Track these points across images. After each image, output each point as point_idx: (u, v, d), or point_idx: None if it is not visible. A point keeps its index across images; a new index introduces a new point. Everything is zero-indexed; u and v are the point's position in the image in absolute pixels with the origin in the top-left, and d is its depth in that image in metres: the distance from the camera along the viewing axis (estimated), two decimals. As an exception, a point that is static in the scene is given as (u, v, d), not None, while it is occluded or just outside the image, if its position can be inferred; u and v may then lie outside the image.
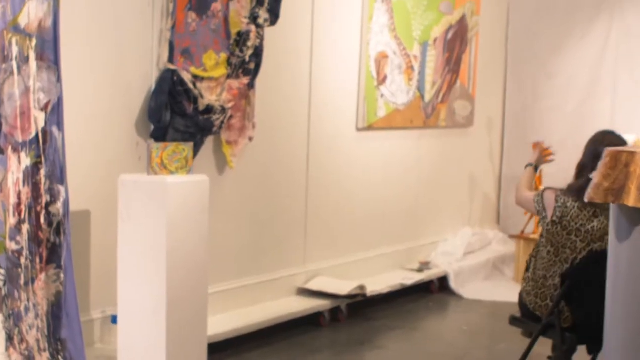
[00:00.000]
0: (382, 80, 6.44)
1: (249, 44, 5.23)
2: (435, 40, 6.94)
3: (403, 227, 6.95)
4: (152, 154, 4.34)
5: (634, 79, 7.72)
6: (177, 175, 4.35)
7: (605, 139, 4.11)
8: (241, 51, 5.21)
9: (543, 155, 4.72)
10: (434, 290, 6.89)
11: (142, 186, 4.26)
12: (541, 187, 5.12)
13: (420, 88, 6.85)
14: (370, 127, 6.41)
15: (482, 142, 7.89)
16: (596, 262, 3.90)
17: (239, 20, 5.17)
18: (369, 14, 6.25)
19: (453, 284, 6.90)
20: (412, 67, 6.73)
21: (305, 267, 6.04)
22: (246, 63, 5.25)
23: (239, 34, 5.19)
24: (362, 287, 5.99)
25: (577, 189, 4.06)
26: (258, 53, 5.31)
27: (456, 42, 7.20)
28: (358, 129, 6.35)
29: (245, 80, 5.28)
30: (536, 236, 7.23)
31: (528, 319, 4.27)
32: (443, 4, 6.99)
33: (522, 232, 7.43)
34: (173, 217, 4.23)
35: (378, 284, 6.28)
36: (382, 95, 6.46)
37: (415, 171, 6.99)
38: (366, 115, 6.34)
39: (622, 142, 4.10)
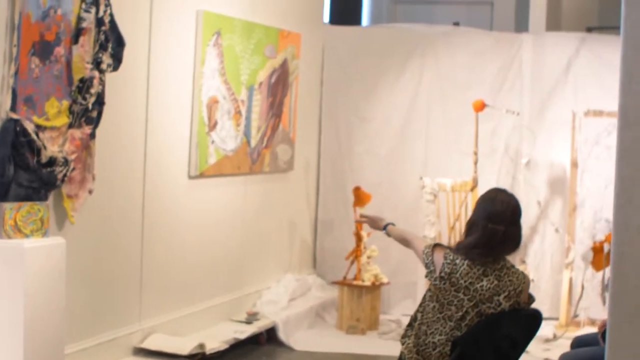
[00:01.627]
0: (212, 126, 6.41)
1: (92, 90, 5.06)
2: (260, 84, 7.00)
3: (230, 277, 6.92)
4: (5, 215, 4.07)
5: (445, 122, 8.14)
6: (32, 238, 4.10)
7: (498, 197, 4.17)
8: (84, 99, 5.03)
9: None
10: (263, 342, 6.90)
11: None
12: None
13: (247, 133, 6.87)
14: (201, 175, 6.35)
15: (300, 186, 8.00)
16: (487, 326, 4.01)
17: (82, 66, 4.99)
18: (202, 58, 6.21)
19: (282, 334, 6.93)
20: (239, 112, 6.74)
21: (141, 324, 5.87)
22: (89, 111, 5.08)
23: (82, 80, 5.00)
24: (201, 346, 5.89)
25: (466, 246, 4.11)
26: (100, 101, 5.15)
27: (279, 86, 7.29)
28: (190, 177, 6.27)
29: (88, 129, 5.09)
30: (360, 282, 7.43)
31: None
32: (267, 47, 7.05)
33: (345, 277, 7.57)
34: (30, 284, 3.99)
35: (212, 339, 6.19)
36: (212, 142, 6.42)
37: (240, 218, 6.99)
38: (198, 163, 6.27)
39: (514, 200, 4.19)
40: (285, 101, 7.42)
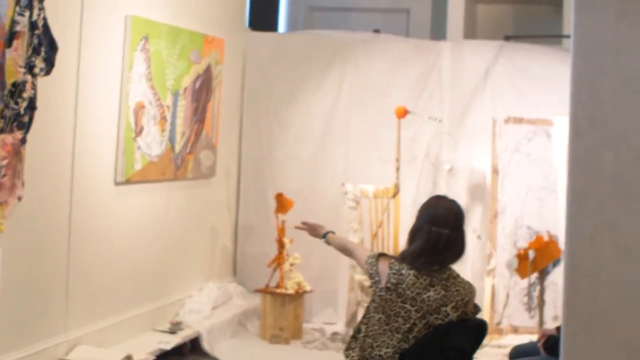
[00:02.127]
0: (139, 131, 6.36)
1: (25, 95, 4.98)
2: (185, 89, 6.97)
3: (153, 285, 6.88)
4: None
5: (366, 128, 8.24)
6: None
7: (440, 204, 4.25)
8: (16, 103, 4.94)
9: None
10: (186, 353, 6.86)
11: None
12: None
13: (172, 139, 6.83)
14: (128, 181, 6.29)
15: (223, 192, 7.99)
16: (436, 338, 4.06)
17: (15, 70, 4.90)
18: (130, 63, 6.17)
19: (206, 344, 6.89)
20: (165, 118, 6.70)
21: (66, 335, 5.77)
22: (20, 116, 4.98)
23: (14, 84, 4.91)
24: (129, 357, 5.83)
25: (411, 254, 4.13)
26: (32, 105, 5.06)
27: (203, 91, 7.27)
28: (116, 183, 6.20)
29: (19, 134, 5.00)
30: (283, 290, 7.45)
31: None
32: (192, 53, 7.03)
33: (267, 285, 7.58)
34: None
35: (137, 350, 6.13)
36: (138, 147, 6.37)
37: (164, 225, 6.95)
38: (124, 169, 6.21)
39: (457, 206, 4.26)
40: (208, 107, 7.41)
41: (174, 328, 6.79)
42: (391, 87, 8.26)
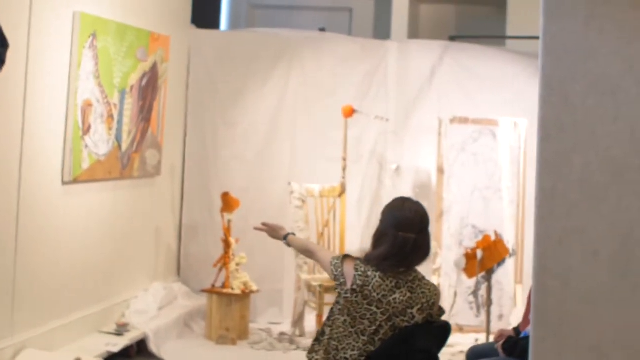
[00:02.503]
0: (87, 130, 6.28)
1: (-25, 93, 4.85)
2: (132, 87, 6.90)
3: (99, 286, 6.80)
4: None
5: (312, 127, 8.26)
6: None
7: (405, 205, 4.24)
8: (-34, 101, 4.81)
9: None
10: (132, 355, 6.78)
11: None
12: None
13: (118, 137, 6.76)
14: (75, 180, 6.20)
15: (167, 192, 7.93)
16: (402, 340, 4.07)
17: (-34, 67, 4.77)
18: (78, 61, 6.09)
19: (153, 346, 6.83)
20: (112, 116, 6.62)
21: (13, 339, 5.68)
22: (-30, 114, 4.86)
23: (-35, 81, 4.79)
24: None
25: (377, 257, 4.12)
26: (-18, 103, 4.95)
27: (149, 89, 7.21)
28: (64, 182, 6.12)
29: (-31, 133, 4.88)
30: (229, 290, 7.42)
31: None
32: (139, 50, 6.97)
33: (213, 286, 7.55)
34: None
35: (86, 353, 6.06)
36: (86, 146, 6.29)
37: (110, 225, 6.88)
38: (72, 168, 6.12)
39: (422, 208, 4.27)
40: (154, 105, 7.35)
41: (121, 329, 6.72)
42: (337, 86, 8.28)
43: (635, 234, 3.30)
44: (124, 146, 6.87)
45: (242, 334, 7.51)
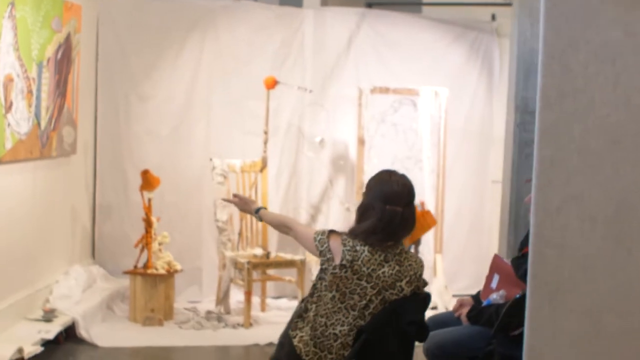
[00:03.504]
0: (9, 107, 6.00)
1: None
2: (48, 60, 6.63)
3: (22, 272, 6.53)
4: None
5: (228, 101, 8.13)
6: None
7: (392, 178, 4.19)
8: None
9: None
10: (61, 341, 6.56)
11: None
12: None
13: (37, 114, 6.50)
14: (0, 161, 5.92)
15: (81, 171, 7.68)
16: (392, 313, 4.05)
17: None
18: (-1, 32, 5.78)
19: (82, 331, 6.65)
20: (31, 91, 6.36)
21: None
22: None
23: None
24: (20, 350, 5.55)
25: (365, 232, 4.08)
26: None
27: (64, 62, 6.95)
28: (-11, 165, 5.84)
29: None
30: (154, 271, 7.27)
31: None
32: (54, 20, 6.71)
33: (135, 267, 7.38)
34: None
35: (19, 342, 5.82)
36: (8, 125, 6.01)
37: (30, 208, 6.62)
38: (-3, 149, 5.85)
39: (409, 181, 4.22)
40: (69, 79, 7.08)
41: (48, 316, 6.50)
42: (253, 56, 8.16)
43: (630, 200, 3.38)
44: (43, 124, 6.61)
45: (167, 314, 7.38)
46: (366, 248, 4.07)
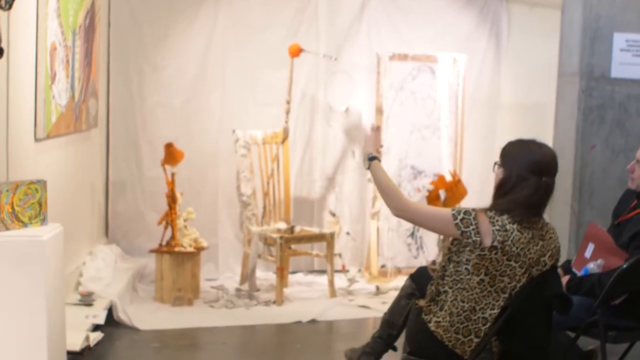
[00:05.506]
0: (53, 78, 5.57)
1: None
2: (80, 27, 6.20)
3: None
4: (1, 200, 3.24)
5: (242, 70, 7.79)
6: (31, 227, 3.31)
7: (542, 150, 3.89)
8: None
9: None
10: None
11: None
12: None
13: (72, 86, 6.06)
14: (48, 136, 5.50)
15: (98, 145, 7.26)
16: (536, 288, 3.86)
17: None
18: (47, -4, 5.33)
19: (121, 313, 6.28)
20: (69, 61, 5.93)
21: None
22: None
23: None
24: (87, 338, 5.21)
25: (516, 205, 3.82)
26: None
27: (91, 30, 6.51)
28: (37, 139, 5.38)
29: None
30: (181, 249, 6.94)
31: (442, 357, 3.91)
32: (84, -16, 6.25)
33: (161, 245, 7.02)
34: (50, 282, 3.26)
35: (71, 329, 5.42)
36: (53, 97, 5.58)
37: (62, 186, 6.17)
38: (45, 123, 5.41)
39: (554, 152, 4.03)
40: (94, 48, 6.66)
41: (86, 299, 6.12)
42: (267, 24, 7.84)
43: None
44: (77, 95, 6.19)
45: (194, 293, 7.05)
46: (515, 226, 3.80)
